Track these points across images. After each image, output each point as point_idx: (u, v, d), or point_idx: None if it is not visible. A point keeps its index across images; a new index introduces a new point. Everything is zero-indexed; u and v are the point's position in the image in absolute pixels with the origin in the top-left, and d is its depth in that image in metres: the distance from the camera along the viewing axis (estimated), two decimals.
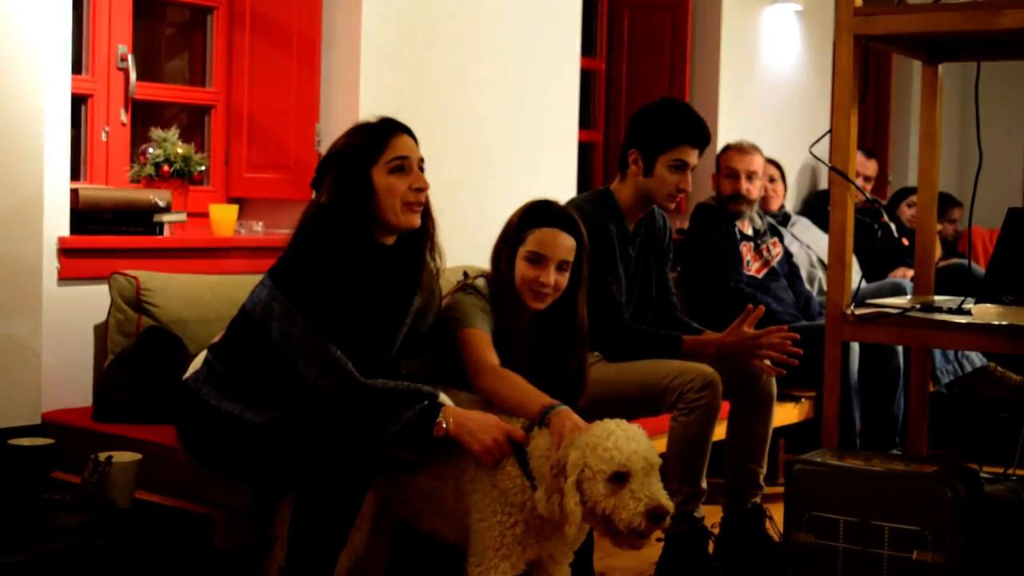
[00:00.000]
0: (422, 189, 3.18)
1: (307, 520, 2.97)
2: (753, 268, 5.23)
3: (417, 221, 3.20)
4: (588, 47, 6.10)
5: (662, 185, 4.09)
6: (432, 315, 3.32)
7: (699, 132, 4.11)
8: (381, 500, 3.23)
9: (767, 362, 4.03)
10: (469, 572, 3.01)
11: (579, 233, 3.48)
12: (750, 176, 5.29)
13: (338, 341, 3.01)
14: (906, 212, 6.89)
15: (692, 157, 4.10)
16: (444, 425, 2.99)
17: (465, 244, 3.54)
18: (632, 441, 2.84)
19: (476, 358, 3.26)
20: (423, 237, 3.26)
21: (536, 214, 3.48)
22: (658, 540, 3.94)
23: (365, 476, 3.01)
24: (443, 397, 3.07)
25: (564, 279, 3.44)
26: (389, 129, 3.20)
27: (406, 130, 3.23)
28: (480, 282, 3.47)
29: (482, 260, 3.59)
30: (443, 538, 3.19)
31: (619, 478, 2.82)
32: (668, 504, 2.82)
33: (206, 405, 3.17)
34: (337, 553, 3.03)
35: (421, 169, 3.21)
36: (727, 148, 5.45)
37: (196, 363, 3.34)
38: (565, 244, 3.43)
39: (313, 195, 3.27)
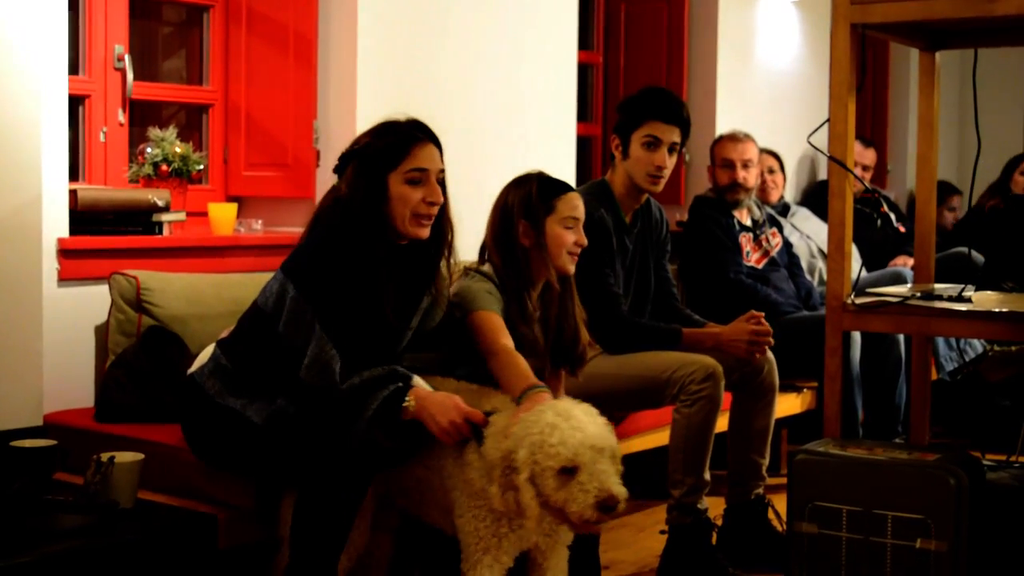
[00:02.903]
0: (435, 203, 3.17)
1: (307, 520, 2.98)
2: (753, 259, 5.22)
3: (424, 233, 3.18)
4: (585, 40, 6.09)
5: (638, 164, 4.08)
6: (438, 314, 3.33)
7: (666, 106, 4.09)
8: (383, 492, 3.24)
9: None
10: (462, 569, 3.02)
11: None
12: (745, 164, 5.28)
13: (345, 336, 3.01)
14: (1020, 181, 6.79)
15: (666, 133, 4.06)
16: (409, 407, 2.99)
17: (462, 238, 3.53)
18: (577, 431, 2.80)
19: (489, 340, 3.26)
20: (439, 242, 3.26)
21: (550, 184, 3.56)
22: (661, 532, 3.95)
23: (364, 474, 3.01)
24: (416, 380, 3.05)
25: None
26: (415, 137, 3.17)
27: (432, 139, 3.21)
28: (486, 267, 3.49)
29: (478, 253, 3.59)
30: (444, 531, 3.20)
31: (568, 471, 2.79)
32: (619, 491, 2.78)
33: (210, 400, 3.18)
34: (339, 551, 3.03)
35: (440, 182, 3.20)
36: (720, 138, 5.45)
37: (203, 357, 3.34)
38: (582, 205, 3.57)
39: (333, 185, 3.25)
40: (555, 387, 3.59)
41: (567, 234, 3.49)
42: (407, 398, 2.99)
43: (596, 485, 2.77)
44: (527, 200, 3.52)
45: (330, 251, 3.08)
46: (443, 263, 3.31)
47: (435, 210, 3.18)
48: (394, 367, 3.05)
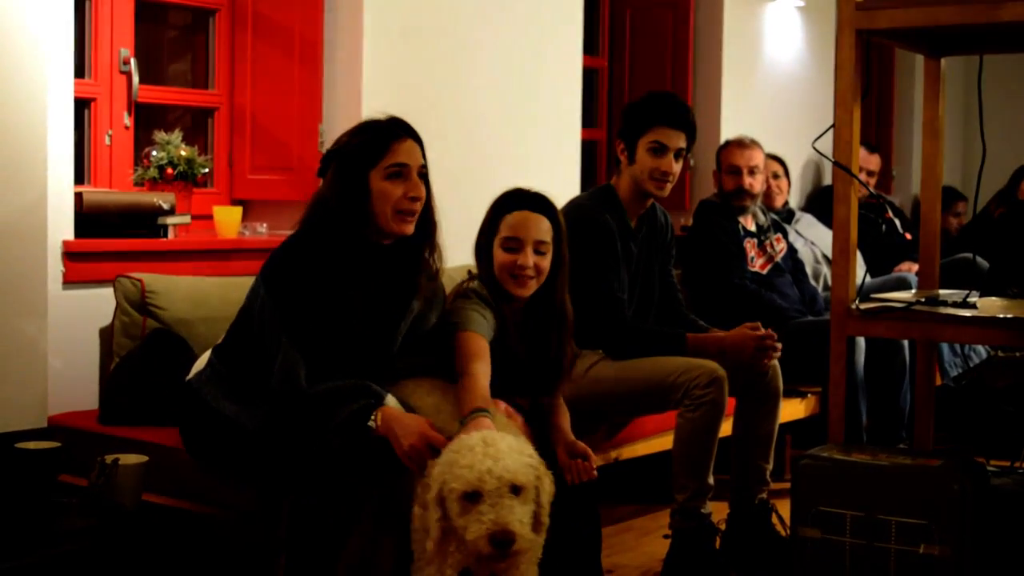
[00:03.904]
0: (417, 199, 3.14)
1: (302, 525, 2.98)
2: (757, 264, 5.22)
3: (409, 229, 3.16)
4: (590, 45, 6.10)
5: (643, 169, 4.07)
6: (435, 314, 3.32)
7: (671, 111, 4.06)
8: (387, 494, 3.23)
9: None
10: (411, 569, 2.99)
11: (554, 215, 3.48)
12: (752, 171, 5.28)
13: (313, 342, 3.01)
14: None
15: (672, 139, 4.04)
16: (374, 426, 2.98)
17: (468, 243, 3.55)
18: (489, 459, 2.71)
19: (463, 362, 3.20)
20: (422, 240, 3.23)
21: (507, 200, 3.48)
22: (665, 536, 3.95)
23: (357, 482, 3.01)
24: (388, 399, 3.04)
25: (544, 262, 3.43)
26: (394, 133, 3.15)
27: (412, 135, 3.18)
28: (475, 284, 3.45)
29: None
30: None
31: (472, 497, 2.71)
32: (517, 529, 2.67)
33: (206, 405, 3.19)
34: (335, 556, 3.02)
35: (421, 177, 3.17)
36: (727, 144, 5.45)
37: (199, 363, 3.35)
38: (539, 225, 3.42)
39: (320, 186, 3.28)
40: (556, 408, 3.58)
41: (505, 256, 3.40)
42: (373, 416, 2.98)
43: (492, 517, 2.67)
44: (484, 222, 3.50)
45: (301, 254, 3.08)
46: (432, 261, 3.27)
47: (418, 206, 3.15)
48: (366, 383, 3.03)
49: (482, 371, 3.17)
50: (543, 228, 3.43)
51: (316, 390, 3.00)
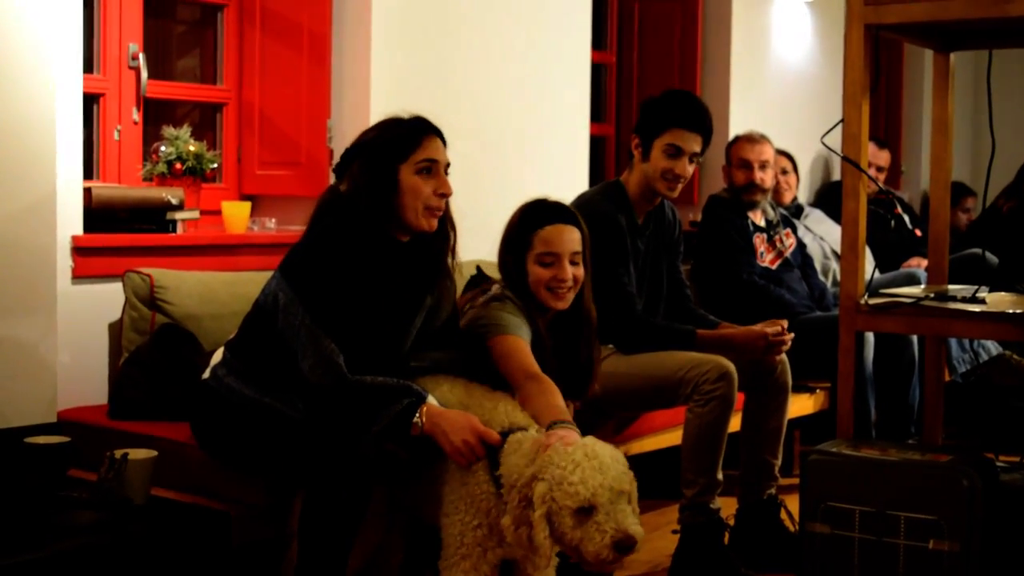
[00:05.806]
0: (446, 195, 3.19)
1: (315, 519, 2.98)
2: (767, 259, 5.22)
3: (434, 225, 3.20)
4: (598, 40, 6.09)
5: (656, 169, 4.07)
6: (445, 311, 3.32)
7: (691, 115, 4.06)
8: (392, 491, 3.24)
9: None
10: (439, 566, 3.02)
11: (580, 224, 3.50)
12: (762, 165, 5.27)
13: (339, 335, 3.02)
14: None
15: (688, 142, 4.04)
16: (419, 423, 2.99)
17: (477, 238, 3.55)
18: (599, 473, 2.76)
19: (520, 363, 3.21)
20: (443, 241, 3.26)
21: (535, 215, 3.47)
22: (673, 532, 3.95)
23: (369, 477, 3.02)
24: (430, 397, 3.05)
25: (580, 272, 3.46)
26: (423, 129, 3.19)
27: (438, 133, 3.22)
28: (508, 292, 3.45)
29: (494, 254, 3.59)
30: (422, 518, 3.19)
31: (585, 511, 2.76)
32: (636, 532, 2.76)
33: (225, 399, 3.19)
34: (348, 550, 3.03)
35: (446, 174, 3.21)
36: (737, 139, 5.44)
37: (213, 362, 3.35)
38: (572, 237, 3.44)
39: (330, 184, 3.28)
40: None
41: (543, 271, 3.41)
42: (417, 414, 2.99)
43: (613, 525, 2.74)
44: (509, 234, 3.50)
45: (325, 249, 3.08)
46: (448, 258, 3.30)
47: (444, 202, 3.20)
48: (408, 383, 3.05)
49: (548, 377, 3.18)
50: (576, 239, 3.45)
51: (362, 381, 3.00)
